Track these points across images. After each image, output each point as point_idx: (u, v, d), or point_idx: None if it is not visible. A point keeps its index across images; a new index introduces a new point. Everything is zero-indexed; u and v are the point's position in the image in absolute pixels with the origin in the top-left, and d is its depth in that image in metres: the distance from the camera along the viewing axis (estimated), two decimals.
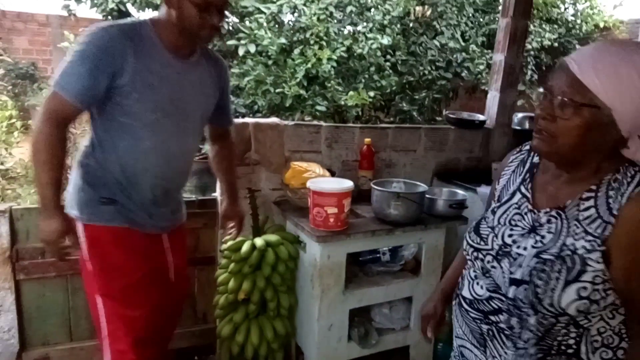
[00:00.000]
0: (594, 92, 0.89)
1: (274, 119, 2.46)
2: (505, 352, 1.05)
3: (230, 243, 2.13)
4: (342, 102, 3.42)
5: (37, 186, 1.50)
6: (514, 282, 0.99)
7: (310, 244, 2.11)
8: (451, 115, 3.03)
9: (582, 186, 0.98)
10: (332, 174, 2.41)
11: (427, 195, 2.29)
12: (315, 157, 2.50)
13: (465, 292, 1.13)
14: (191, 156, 1.81)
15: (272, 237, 2.15)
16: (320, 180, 2.11)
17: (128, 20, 1.60)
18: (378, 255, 2.39)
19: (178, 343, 2.52)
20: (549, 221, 1.00)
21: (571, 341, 0.98)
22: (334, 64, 3.42)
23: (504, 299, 1.03)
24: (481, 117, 3.04)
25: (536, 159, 1.12)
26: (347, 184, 2.05)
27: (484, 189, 2.51)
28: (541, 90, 1.01)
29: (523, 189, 1.09)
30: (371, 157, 2.56)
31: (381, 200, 2.16)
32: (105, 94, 1.49)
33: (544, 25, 5.25)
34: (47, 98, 1.46)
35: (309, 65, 3.31)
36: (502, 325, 1.04)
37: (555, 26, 5.40)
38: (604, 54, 0.91)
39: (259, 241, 2.11)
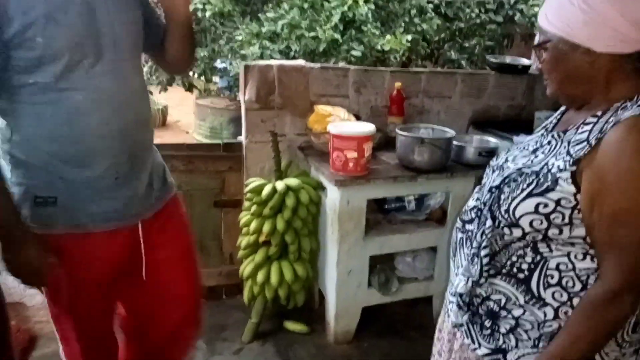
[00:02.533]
0: (544, 29, 0.94)
1: (299, 61, 2.40)
2: (463, 262, 1.05)
3: (252, 185, 2.14)
4: (379, 47, 3.27)
5: None
6: (490, 189, 1.01)
7: (330, 188, 2.09)
8: (492, 60, 2.84)
9: (591, 112, 0.94)
10: (358, 120, 2.35)
11: (455, 142, 2.19)
12: (343, 102, 2.43)
13: (464, 206, 1.16)
14: (144, 100, 1.36)
15: (294, 181, 2.14)
16: (342, 124, 2.06)
17: None
18: (403, 203, 2.34)
19: (206, 281, 2.63)
20: (549, 142, 0.99)
21: (524, 265, 0.95)
22: (372, 7, 3.26)
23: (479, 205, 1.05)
24: (526, 62, 2.82)
25: None
26: (368, 128, 1.99)
27: (522, 138, 2.36)
28: None
29: (549, 121, 1.10)
30: (401, 103, 2.45)
31: (405, 146, 2.09)
32: None
33: None
34: None
35: (345, 8, 3.17)
36: (470, 233, 1.05)
37: None
38: None
39: (279, 184, 2.11)
